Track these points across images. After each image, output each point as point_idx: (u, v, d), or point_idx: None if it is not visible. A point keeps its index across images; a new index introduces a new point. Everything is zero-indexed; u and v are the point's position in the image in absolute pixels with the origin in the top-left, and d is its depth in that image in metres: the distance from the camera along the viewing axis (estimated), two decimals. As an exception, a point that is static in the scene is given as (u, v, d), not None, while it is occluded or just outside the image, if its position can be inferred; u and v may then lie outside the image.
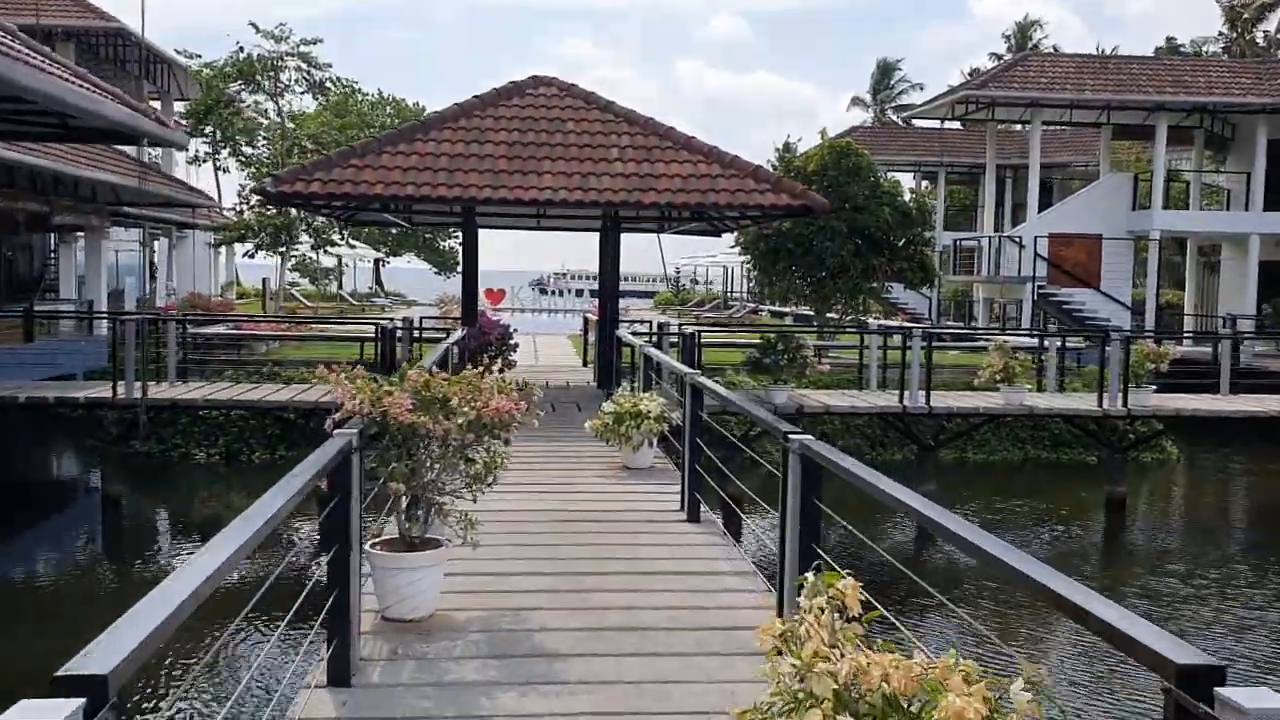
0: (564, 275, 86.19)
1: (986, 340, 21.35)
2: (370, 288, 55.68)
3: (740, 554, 6.88)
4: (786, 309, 35.73)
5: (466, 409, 4.98)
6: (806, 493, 4.62)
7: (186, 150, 29.64)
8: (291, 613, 5.50)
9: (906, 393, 15.28)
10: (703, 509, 7.80)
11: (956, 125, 39.27)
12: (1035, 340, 20.39)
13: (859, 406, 15.55)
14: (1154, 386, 15.91)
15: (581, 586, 6.01)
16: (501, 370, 15.62)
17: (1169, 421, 17.01)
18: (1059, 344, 19.25)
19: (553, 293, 75.43)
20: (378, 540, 5.50)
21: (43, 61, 9.51)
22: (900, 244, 22.04)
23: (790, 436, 4.75)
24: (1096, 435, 17.08)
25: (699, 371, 8.23)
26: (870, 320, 24.94)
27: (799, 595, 3.02)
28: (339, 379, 4.94)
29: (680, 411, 8.73)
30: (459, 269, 16.22)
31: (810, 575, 3.03)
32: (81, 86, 9.68)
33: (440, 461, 5.25)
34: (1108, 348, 15.81)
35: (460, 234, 18.91)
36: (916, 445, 16.57)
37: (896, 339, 17.93)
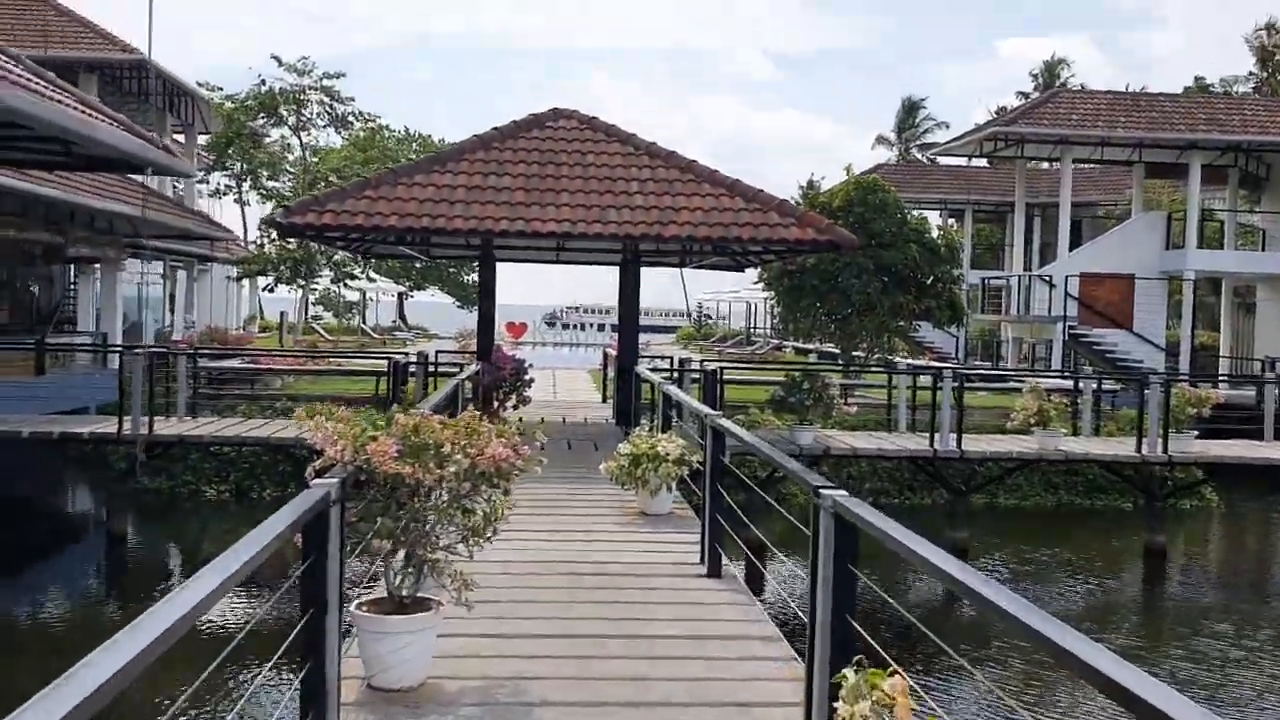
0: (576, 309, 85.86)
1: (1018, 382, 20.73)
2: (393, 321, 55.54)
3: (764, 614, 6.33)
4: (810, 346, 35.18)
5: (460, 456, 4.49)
6: (840, 557, 4.09)
7: (193, 178, 29.42)
8: (265, 672, 5.05)
9: (937, 435, 14.71)
10: (724, 561, 7.26)
11: (983, 163, 38.79)
12: (1069, 382, 19.72)
13: (887, 449, 14.97)
14: (1196, 432, 15.28)
15: (589, 651, 5.48)
16: (516, 406, 15.21)
17: (1209, 468, 16.35)
18: (1094, 386, 18.59)
19: (573, 326, 75.08)
20: (364, 600, 5.00)
21: (44, 87, 9.19)
22: (928, 282, 21.49)
23: (821, 492, 4.22)
24: (1135, 482, 16.43)
25: (720, 413, 7.71)
26: (897, 359, 24.36)
27: (835, 698, 2.50)
28: (319, 422, 4.47)
29: (701, 454, 8.22)
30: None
31: (850, 673, 2.51)
32: (86, 114, 9.36)
33: (433, 513, 4.76)
34: (1146, 391, 15.19)
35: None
36: (947, 490, 15.95)
37: (925, 379, 17.39)
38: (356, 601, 4.95)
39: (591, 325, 73.68)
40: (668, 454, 8.88)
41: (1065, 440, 15.47)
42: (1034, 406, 14.83)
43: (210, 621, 10.39)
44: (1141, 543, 16.20)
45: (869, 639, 4.29)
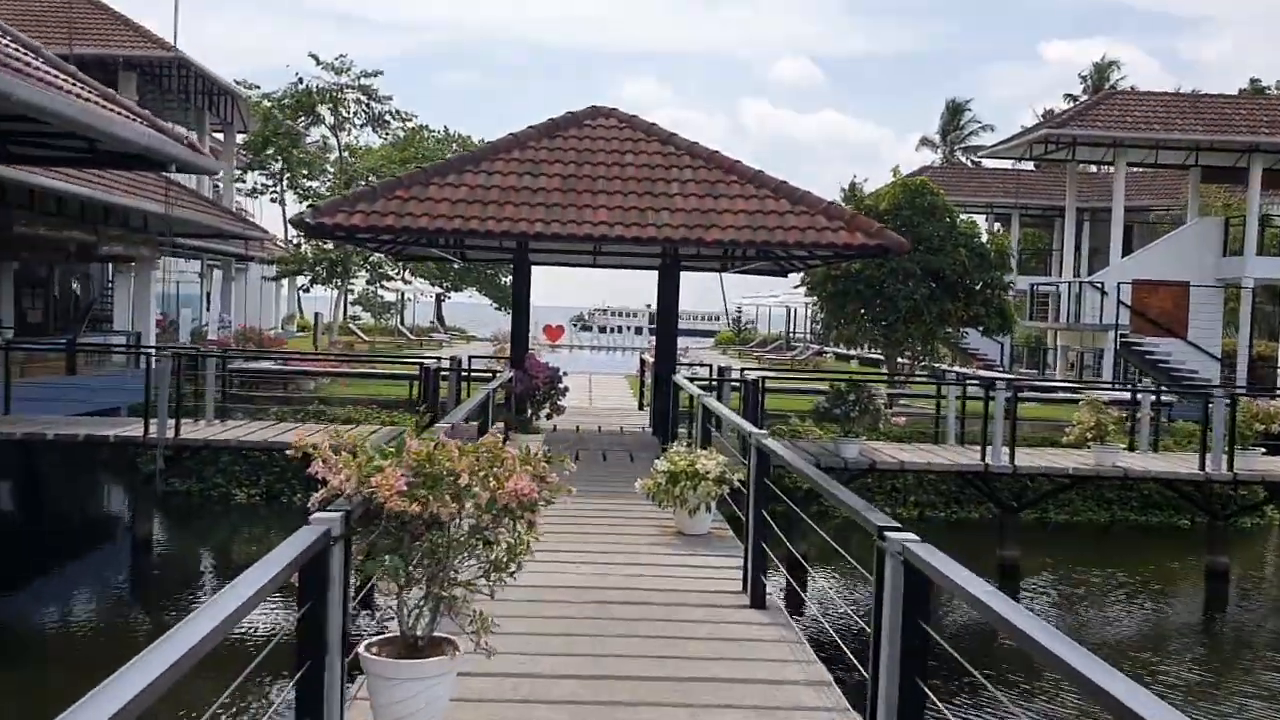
0: (605, 311, 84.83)
1: (1069, 393, 19.98)
2: (431, 322, 55.44)
3: (812, 653, 5.80)
4: (853, 352, 34.51)
5: (478, 489, 4.01)
6: (910, 612, 3.57)
7: (217, 174, 29.05)
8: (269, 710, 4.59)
9: (989, 449, 14.07)
10: (768, 591, 6.73)
11: (1029, 166, 37.91)
12: (1125, 394, 18.94)
13: (936, 464, 14.34)
14: (1262, 449, 14.52)
15: (620, 696, 4.99)
16: (550, 415, 14.71)
17: (1272, 486, 15.56)
18: (1153, 399, 17.80)
19: (608, 330, 74.42)
20: (374, 640, 4.54)
21: (63, 80, 8.85)
22: (977, 288, 20.82)
23: (888, 535, 3.70)
24: (1196, 500, 15.69)
25: (766, 432, 7.18)
26: (943, 367, 23.67)
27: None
28: (323, 450, 4.01)
29: (742, 471, 7.71)
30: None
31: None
32: (104, 108, 9.00)
33: (450, 549, 4.28)
34: (1210, 406, 14.45)
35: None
36: (997, 506, 15.29)
37: (975, 389, 16.71)
38: (366, 642, 4.48)
39: (627, 328, 72.98)
40: (707, 472, 8.37)
41: (1123, 456, 14.76)
42: (1091, 420, 14.14)
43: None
44: (1201, 563, 15.47)
45: (939, 706, 3.77)
